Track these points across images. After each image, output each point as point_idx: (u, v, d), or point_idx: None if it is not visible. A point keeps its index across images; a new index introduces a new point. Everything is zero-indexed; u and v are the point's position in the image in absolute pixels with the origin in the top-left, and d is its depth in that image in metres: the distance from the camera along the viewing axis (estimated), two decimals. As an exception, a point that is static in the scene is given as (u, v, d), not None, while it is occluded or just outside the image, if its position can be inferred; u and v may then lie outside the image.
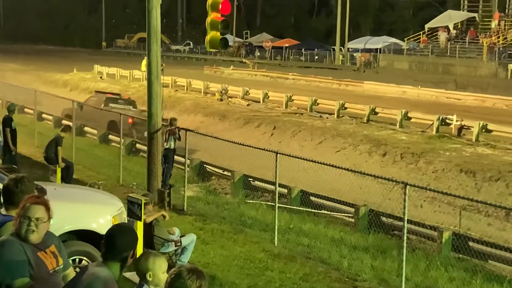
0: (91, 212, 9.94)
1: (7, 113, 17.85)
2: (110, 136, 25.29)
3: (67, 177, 16.17)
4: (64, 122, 24.69)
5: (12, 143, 17.23)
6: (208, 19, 15.45)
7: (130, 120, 24.18)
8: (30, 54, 78.39)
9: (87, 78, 50.71)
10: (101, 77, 51.30)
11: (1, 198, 5.89)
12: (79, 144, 21.73)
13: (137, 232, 6.04)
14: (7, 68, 45.96)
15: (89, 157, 21.66)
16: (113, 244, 4.82)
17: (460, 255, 13.34)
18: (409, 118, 29.76)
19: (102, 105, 26.49)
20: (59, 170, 15.78)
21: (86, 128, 26.94)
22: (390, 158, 24.35)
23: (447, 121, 28.09)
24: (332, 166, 13.60)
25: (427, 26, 64.34)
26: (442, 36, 59.40)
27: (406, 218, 10.83)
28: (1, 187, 6.07)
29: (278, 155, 13.42)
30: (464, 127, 27.50)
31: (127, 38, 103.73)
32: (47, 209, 5.12)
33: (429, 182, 21.52)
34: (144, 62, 38.99)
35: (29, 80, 43.93)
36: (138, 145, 23.26)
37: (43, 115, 29.40)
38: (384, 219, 15.28)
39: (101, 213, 9.86)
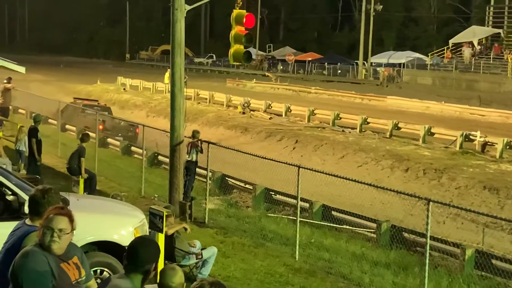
0: (113, 224, 9.95)
1: (33, 124, 18.02)
2: (133, 148, 25.41)
3: (90, 188, 16.24)
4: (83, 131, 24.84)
5: (38, 153, 17.41)
6: (232, 32, 15.50)
7: (101, 126, 26.08)
8: (55, 65, 79.11)
9: (110, 89, 51.03)
10: (124, 89, 51.60)
11: (27, 208, 5.93)
12: (101, 156, 21.84)
13: (159, 244, 6.04)
14: (31, 78, 46.26)
15: (112, 169, 21.75)
16: (135, 256, 4.82)
17: (483, 273, 13.19)
18: (432, 134, 29.59)
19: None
20: (82, 181, 15.86)
21: (109, 140, 27.09)
22: (413, 173, 24.21)
23: (471, 137, 27.89)
24: (354, 181, 13.52)
25: (451, 41, 64.09)
26: (467, 51, 59.10)
27: (429, 235, 10.74)
28: (28, 198, 6.10)
29: (300, 169, 13.38)
30: (488, 143, 27.29)
31: (151, 50, 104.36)
32: (71, 220, 5.13)
33: (452, 198, 21.37)
34: (167, 74, 39.12)
35: (53, 91, 44.31)
36: (160, 157, 23.34)
37: (67, 126, 29.60)
38: (406, 235, 15.17)
39: (123, 225, 9.88)
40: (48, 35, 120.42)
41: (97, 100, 32.84)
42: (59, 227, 5.02)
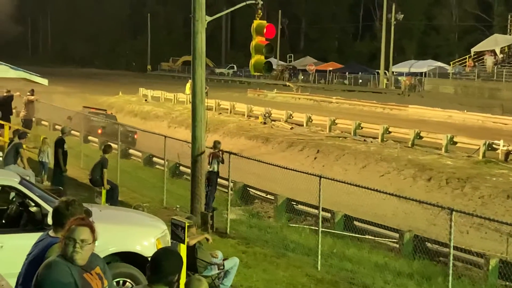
0: (136, 234, 9.98)
1: (60, 135, 18.20)
2: (154, 159, 25.51)
3: (112, 199, 16.31)
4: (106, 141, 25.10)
5: (63, 164, 17.61)
6: (253, 43, 15.54)
7: (99, 131, 29.50)
8: (77, 76, 79.74)
9: (132, 100, 51.34)
10: (146, 100, 51.88)
11: (51, 219, 5.97)
12: (124, 167, 21.93)
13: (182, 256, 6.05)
14: (54, 90, 46.62)
15: (134, 179, 21.84)
16: (159, 267, 4.84)
17: (507, 283, 13.06)
18: (455, 143, 29.40)
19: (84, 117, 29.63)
20: (104, 192, 15.94)
21: (130, 151, 27.23)
22: (435, 183, 24.06)
23: (494, 146, 27.68)
24: (376, 190, 13.48)
25: (473, 50, 63.75)
26: (489, 60, 58.70)
27: (452, 245, 10.67)
28: (51, 210, 6.15)
29: (322, 179, 13.35)
30: (511, 152, 27.06)
31: (172, 61, 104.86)
32: (92, 231, 5.16)
33: (475, 208, 21.20)
34: (189, 85, 39.33)
35: (75, 103, 44.57)
36: (182, 168, 23.40)
37: (89, 137, 29.80)
38: (429, 245, 15.06)
39: (145, 236, 9.91)
40: (70, 47, 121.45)
41: (105, 110, 33.95)
42: (81, 237, 5.06)
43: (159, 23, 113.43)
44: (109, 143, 18.72)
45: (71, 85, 63.23)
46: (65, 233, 5.13)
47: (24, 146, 18.73)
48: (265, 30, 15.41)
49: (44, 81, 19.22)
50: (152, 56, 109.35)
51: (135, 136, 28.55)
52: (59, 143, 17.91)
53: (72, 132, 30.94)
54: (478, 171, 24.75)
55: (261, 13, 15.71)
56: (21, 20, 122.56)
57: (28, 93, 28.14)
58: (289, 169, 15.46)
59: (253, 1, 15.94)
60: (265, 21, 15.70)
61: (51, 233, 5.76)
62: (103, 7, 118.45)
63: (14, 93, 28.11)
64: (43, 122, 33.12)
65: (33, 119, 29.33)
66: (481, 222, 18.63)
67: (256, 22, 15.56)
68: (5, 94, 27.37)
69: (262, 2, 15.87)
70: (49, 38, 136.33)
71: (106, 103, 50.02)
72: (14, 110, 28.97)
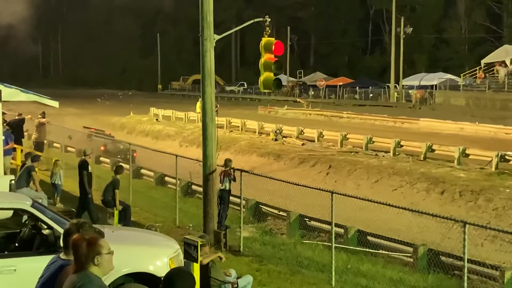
0: (148, 255, 9.99)
1: (83, 157, 18.18)
2: (166, 178, 25.55)
3: (125, 220, 16.34)
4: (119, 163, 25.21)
5: (88, 186, 17.52)
6: (262, 60, 15.59)
7: (102, 148, 31.04)
8: (88, 98, 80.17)
9: (143, 120, 51.49)
10: (157, 119, 52.04)
11: (61, 242, 5.99)
12: (136, 187, 21.97)
13: (194, 276, 6.03)
14: (66, 112, 46.93)
15: (146, 199, 21.86)
16: (171, 287, 4.84)
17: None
18: (467, 155, 29.24)
19: (86, 137, 30.96)
20: (116, 213, 15.97)
21: (142, 171, 27.29)
22: (449, 196, 23.94)
23: (507, 157, 27.51)
24: (389, 205, 13.43)
25: (483, 61, 63.63)
26: (502, 71, 58.43)
27: (466, 258, 10.60)
28: (62, 232, 6.18)
29: (334, 194, 13.32)
30: (525, 163, 26.92)
31: (182, 80, 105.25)
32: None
33: (490, 220, 21.07)
34: (199, 103, 39.43)
35: (87, 124, 44.80)
36: (194, 187, 23.41)
37: (101, 158, 29.90)
38: (443, 258, 14.97)
39: (158, 256, 9.91)
40: (81, 69, 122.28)
41: (103, 131, 34.78)
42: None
43: (169, 42, 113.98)
44: (120, 164, 18.74)
45: (83, 106, 63.60)
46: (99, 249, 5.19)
47: (36, 169, 18.82)
48: (273, 47, 15.46)
49: (55, 103, 19.29)
50: (163, 76, 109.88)
51: (135, 155, 28.89)
52: (83, 165, 17.78)
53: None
54: (491, 183, 24.61)
55: (269, 30, 15.76)
56: (34, 42, 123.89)
57: (40, 116, 28.31)
58: (300, 185, 15.45)
59: (261, 19, 16.00)
60: (273, 38, 15.74)
61: (62, 255, 5.77)
62: (114, 28, 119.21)
63: (25, 116, 28.27)
64: (55, 144, 33.24)
65: (45, 141, 29.46)
66: (495, 235, 18.51)
67: (264, 40, 15.61)
68: (16, 117, 27.54)
69: (270, 20, 15.92)
70: (60, 60, 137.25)
71: (117, 123, 50.24)
72: (25, 133, 29.13)
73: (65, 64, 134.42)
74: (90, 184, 17.62)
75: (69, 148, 32.05)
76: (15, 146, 22.91)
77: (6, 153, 19.85)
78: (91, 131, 32.40)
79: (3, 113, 20.63)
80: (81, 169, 17.64)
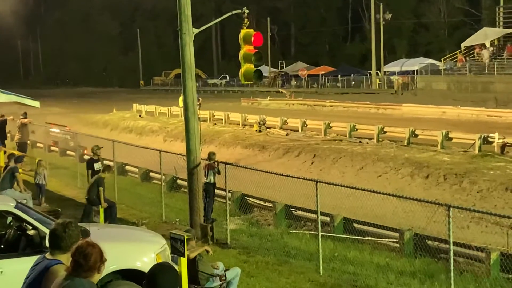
0: (135, 251, 10.00)
1: (91, 156, 18.18)
2: (151, 174, 25.50)
3: (111, 217, 16.31)
4: (105, 162, 25.12)
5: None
6: (241, 52, 15.58)
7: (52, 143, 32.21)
8: (71, 97, 79.81)
9: (126, 117, 51.33)
10: (140, 115, 51.89)
11: (47, 242, 5.99)
12: (121, 184, 21.92)
13: (178, 270, 6.05)
14: (48, 112, 46.69)
15: (132, 196, 21.83)
16: (154, 283, 4.86)
17: (510, 276, 13.05)
18: (450, 139, 29.41)
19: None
20: (102, 211, 15.94)
21: (127, 167, 27.21)
22: (433, 180, 24.07)
23: (489, 139, 27.71)
24: (373, 191, 13.50)
25: (463, 45, 63.90)
26: (486, 53, 58.54)
27: (451, 241, 10.70)
28: (48, 232, 6.17)
29: (319, 183, 13.37)
30: (507, 144, 27.08)
31: (164, 75, 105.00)
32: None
33: (475, 202, 21.23)
34: (181, 97, 39.46)
35: (71, 122, 44.56)
36: (179, 181, 23.39)
37: (84, 157, 29.74)
38: (429, 242, 15.07)
39: (145, 252, 9.93)
40: (62, 68, 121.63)
41: (66, 126, 35.08)
42: None
43: (150, 38, 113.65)
44: (109, 164, 18.66)
45: (65, 105, 63.31)
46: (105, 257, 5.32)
47: (20, 170, 18.73)
48: (252, 39, 15.44)
49: (36, 103, 19.26)
50: (145, 71, 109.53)
51: (84, 151, 29.02)
52: (90, 164, 17.90)
53: (68, 152, 31.09)
54: (475, 165, 24.77)
55: (248, 22, 15.75)
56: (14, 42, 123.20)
57: (21, 116, 28.14)
58: (285, 175, 15.48)
59: (240, 11, 15.98)
60: (252, 30, 15.73)
61: (47, 255, 5.76)
62: (93, 26, 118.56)
63: (7, 117, 28.11)
64: (38, 144, 33.11)
65: (28, 141, 29.31)
66: (480, 216, 18.65)
67: (243, 31, 15.60)
68: (-1, 119, 27.39)
69: (248, 11, 15.90)
70: (40, 60, 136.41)
71: (100, 121, 50.06)
72: (8, 134, 28.97)
73: (46, 64, 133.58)
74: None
75: (52, 148, 31.92)
76: (-1, 148, 22.77)
77: None
78: (52, 126, 33.32)
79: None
80: (88, 169, 17.80)
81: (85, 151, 28.99)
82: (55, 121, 36.08)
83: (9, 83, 73.04)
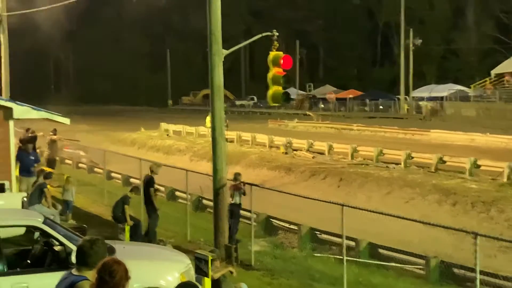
0: (159, 270, 10.03)
1: (149, 174, 18.15)
2: (177, 193, 25.58)
3: (136, 235, 16.38)
4: (133, 182, 25.26)
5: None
6: (270, 74, 15.65)
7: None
8: (100, 114, 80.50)
9: (154, 136, 51.62)
10: (167, 135, 52.16)
11: (75, 258, 6.04)
12: (147, 202, 21.95)
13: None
14: (77, 129, 47.16)
15: (157, 214, 21.83)
16: (179, 302, 4.87)
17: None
18: (479, 166, 29.11)
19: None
20: (127, 229, 16.01)
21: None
22: (461, 207, 23.85)
23: (518, 167, 27.39)
24: (399, 217, 13.40)
25: (493, 72, 63.53)
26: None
27: (478, 269, 10.57)
28: (75, 248, 6.23)
29: (345, 207, 13.31)
30: (536, 173, 26.77)
31: (192, 95, 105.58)
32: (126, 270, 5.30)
33: (502, 231, 20.96)
34: (208, 118, 39.60)
35: (99, 140, 45.01)
36: (204, 201, 23.44)
37: (112, 174, 29.98)
38: (456, 270, 14.91)
39: (169, 271, 9.95)
40: (93, 86, 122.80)
41: (79, 140, 35.87)
42: None
43: (179, 58, 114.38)
44: (137, 185, 18.75)
45: (94, 123, 63.86)
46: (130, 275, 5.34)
47: (48, 186, 18.91)
48: (281, 61, 15.51)
49: (66, 120, 19.43)
50: (173, 91, 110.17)
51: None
52: (150, 182, 17.79)
53: (96, 169, 31.32)
54: (503, 194, 24.50)
55: (277, 44, 15.83)
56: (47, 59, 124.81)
57: (51, 133, 28.45)
58: (311, 198, 15.45)
59: (269, 33, 16.07)
60: (281, 52, 15.80)
61: (74, 271, 5.81)
62: (123, 45, 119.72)
63: (37, 134, 28.41)
64: (66, 161, 33.41)
65: (57, 158, 29.60)
66: (508, 245, 18.41)
67: (272, 54, 15.68)
68: (29, 135, 27.67)
69: (278, 34, 15.99)
70: (70, 78, 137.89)
71: (128, 139, 50.39)
72: (38, 150, 29.26)
73: (76, 81, 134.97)
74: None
75: (80, 165, 32.19)
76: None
77: (32, 174, 20.13)
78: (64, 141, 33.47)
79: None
80: (147, 186, 17.65)
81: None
82: (85, 139, 36.54)
83: (41, 99, 74.03)
